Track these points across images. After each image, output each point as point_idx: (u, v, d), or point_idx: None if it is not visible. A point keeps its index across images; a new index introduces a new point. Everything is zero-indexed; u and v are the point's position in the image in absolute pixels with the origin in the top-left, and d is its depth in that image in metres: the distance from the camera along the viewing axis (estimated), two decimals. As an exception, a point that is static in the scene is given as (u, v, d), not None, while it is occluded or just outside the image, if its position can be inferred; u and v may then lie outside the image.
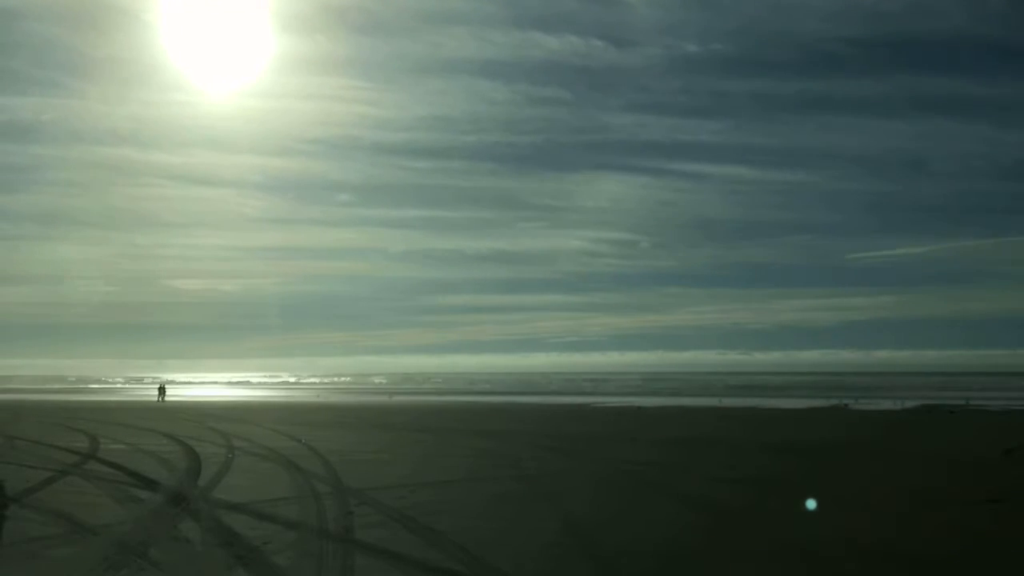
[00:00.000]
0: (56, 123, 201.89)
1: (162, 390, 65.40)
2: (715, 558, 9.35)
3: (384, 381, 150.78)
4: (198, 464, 18.03)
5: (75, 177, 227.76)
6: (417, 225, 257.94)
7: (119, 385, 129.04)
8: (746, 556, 9.40)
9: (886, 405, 51.62)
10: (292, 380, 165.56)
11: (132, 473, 16.32)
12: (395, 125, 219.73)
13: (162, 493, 13.79)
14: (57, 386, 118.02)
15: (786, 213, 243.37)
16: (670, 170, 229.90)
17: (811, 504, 12.85)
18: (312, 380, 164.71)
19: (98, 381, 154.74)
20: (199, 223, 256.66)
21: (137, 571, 8.63)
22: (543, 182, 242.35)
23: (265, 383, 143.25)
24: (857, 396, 66.20)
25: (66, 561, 9.13)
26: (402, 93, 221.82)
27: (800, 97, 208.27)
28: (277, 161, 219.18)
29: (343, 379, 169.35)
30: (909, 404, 52.43)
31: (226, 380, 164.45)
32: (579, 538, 10.35)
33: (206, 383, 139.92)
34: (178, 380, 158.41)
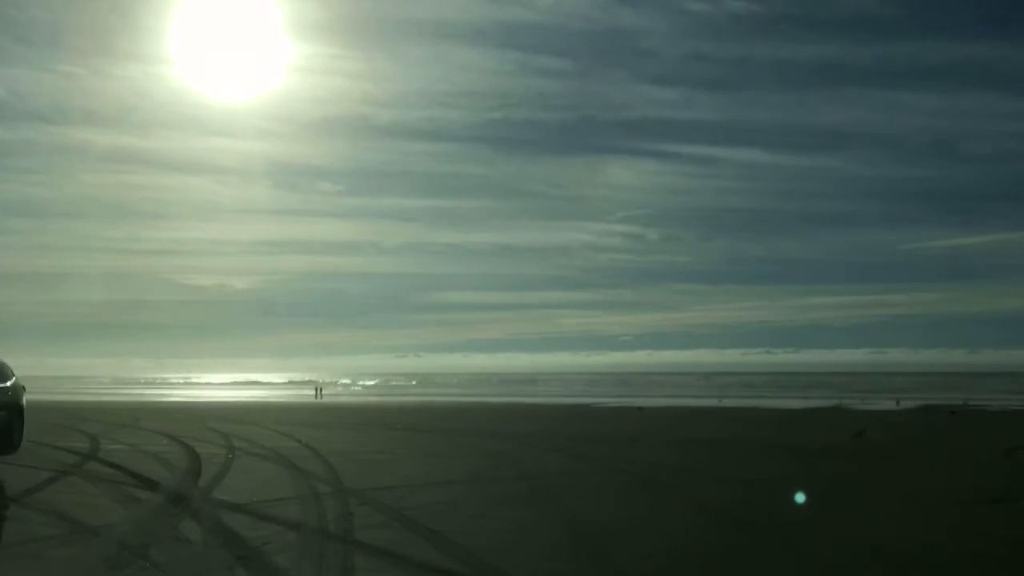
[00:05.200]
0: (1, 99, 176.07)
1: (319, 390, 79.30)
2: (713, 559, 9.35)
3: (384, 381, 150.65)
4: (198, 464, 18.02)
5: (33, 163, 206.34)
6: (412, 217, 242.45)
7: (116, 384, 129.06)
8: (745, 556, 9.40)
9: (886, 405, 51.58)
10: (292, 380, 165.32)
11: (132, 473, 16.31)
12: (379, 101, 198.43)
13: (162, 493, 13.78)
14: (56, 386, 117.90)
15: (810, 202, 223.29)
16: (679, 153, 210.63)
17: (800, 498, 13.04)
18: (312, 380, 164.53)
19: (97, 381, 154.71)
20: (179, 215, 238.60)
21: (138, 571, 8.63)
22: (540, 167, 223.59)
23: (264, 383, 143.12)
24: (862, 396, 66.14)
25: (66, 561, 9.12)
26: (384, 62, 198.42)
27: (831, 67, 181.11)
28: (256, 145, 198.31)
29: (342, 379, 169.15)
30: (910, 404, 52.39)
31: (223, 380, 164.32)
32: (583, 539, 10.34)
33: (205, 384, 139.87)
34: (174, 381, 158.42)
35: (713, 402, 56.88)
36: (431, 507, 12.43)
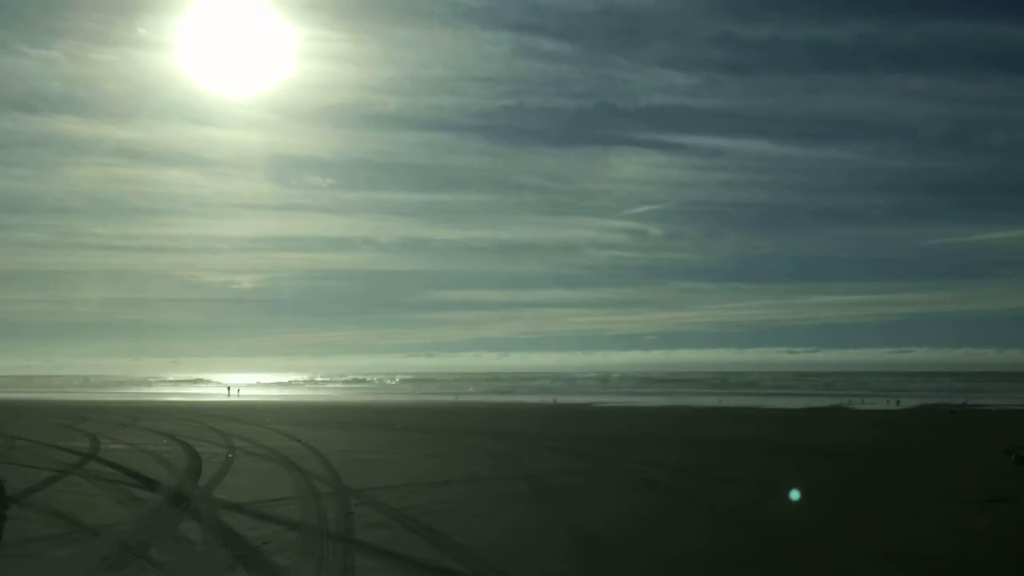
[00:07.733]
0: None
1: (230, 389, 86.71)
2: (705, 556, 9.34)
3: (383, 381, 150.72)
4: (199, 464, 18.05)
5: (12, 155, 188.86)
6: (408, 211, 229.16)
7: (119, 384, 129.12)
8: (741, 555, 9.39)
9: (886, 405, 51.60)
10: (293, 380, 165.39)
11: (132, 473, 16.33)
12: (372, 87, 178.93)
13: (163, 493, 13.79)
14: (58, 385, 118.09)
15: (821, 196, 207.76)
16: (684, 145, 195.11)
17: (795, 495, 13.17)
18: (311, 380, 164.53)
19: (100, 380, 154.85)
20: (175, 210, 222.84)
21: (138, 571, 8.63)
22: (541, 160, 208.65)
23: (263, 383, 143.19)
24: (863, 396, 66.06)
25: (66, 561, 9.13)
26: (375, 45, 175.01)
27: (837, 52, 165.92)
28: (246, 136, 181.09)
29: (342, 379, 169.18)
30: (910, 404, 52.39)
31: (228, 380, 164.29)
32: (584, 540, 10.34)
33: (209, 383, 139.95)
34: (177, 380, 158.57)
35: (714, 401, 56.89)
36: (431, 507, 12.44)
